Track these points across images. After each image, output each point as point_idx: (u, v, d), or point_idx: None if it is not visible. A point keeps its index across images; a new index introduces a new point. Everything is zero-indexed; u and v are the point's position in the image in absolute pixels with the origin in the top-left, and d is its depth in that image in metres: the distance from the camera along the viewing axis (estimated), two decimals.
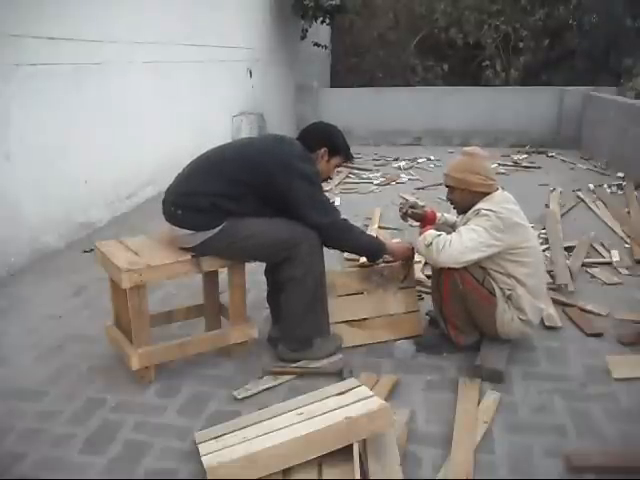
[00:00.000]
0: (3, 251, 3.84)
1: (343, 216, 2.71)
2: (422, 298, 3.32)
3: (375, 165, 7.82)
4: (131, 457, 2.11)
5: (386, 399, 2.31)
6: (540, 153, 8.58)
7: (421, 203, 3.38)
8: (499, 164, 7.47)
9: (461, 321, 2.71)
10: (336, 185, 6.49)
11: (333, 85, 12.04)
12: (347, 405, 2.06)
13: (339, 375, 2.54)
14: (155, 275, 2.47)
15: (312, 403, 2.15)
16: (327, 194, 2.76)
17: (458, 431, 2.17)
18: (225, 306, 2.84)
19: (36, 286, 3.72)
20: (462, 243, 2.53)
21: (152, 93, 5.73)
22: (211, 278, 2.88)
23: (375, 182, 6.74)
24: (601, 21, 10.99)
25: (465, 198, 2.70)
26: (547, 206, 5.41)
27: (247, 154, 2.61)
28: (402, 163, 7.87)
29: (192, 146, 4.68)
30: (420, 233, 2.76)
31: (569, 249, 4.20)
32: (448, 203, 2.87)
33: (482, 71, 11.83)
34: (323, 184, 2.71)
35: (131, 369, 2.51)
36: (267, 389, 2.51)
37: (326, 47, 10.63)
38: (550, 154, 8.43)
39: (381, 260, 2.93)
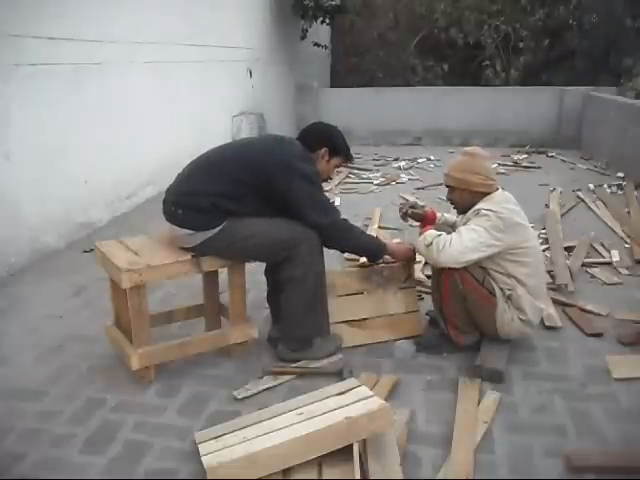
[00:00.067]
0: (3, 251, 3.84)
1: (343, 216, 2.71)
2: (422, 298, 3.32)
3: (375, 165, 7.82)
4: (131, 457, 2.11)
5: (386, 399, 2.31)
6: (540, 153, 8.58)
7: (421, 203, 3.38)
8: (499, 164, 7.47)
9: (461, 321, 2.71)
10: (336, 185, 6.49)
11: (333, 85, 12.04)
12: (347, 405, 2.06)
13: (339, 375, 2.54)
14: (155, 275, 2.47)
15: (312, 403, 2.15)
16: (327, 194, 2.76)
17: (458, 431, 2.17)
18: (225, 306, 2.84)
19: (36, 286, 3.72)
20: (462, 243, 2.53)
21: (152, 93, 5.73)
22: (211, 278, 2.88)
23: (375, 182, 6.74)
24: (601, 21, 10.98)
25: (465, 198, 2.70)
26: (547, 206, 5.41)
27: (247, 154, 2.61)
28: (402, 163, 7.87)
29: (192, 146, 4.68)
30: (420, 233, 2.76)
31: (569, 249, 4.20)
32: (448, 203, 2.87)
33: (482, 71, 11.84)
34: (323, 184, 2.71)
35: (131, 369, 2.51)
36: (267, 389, 2.51)
37: (326, 47, 10.63)
38: (550, 154, 8.43)
39: (381, 260, 2.93)
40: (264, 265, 2.89)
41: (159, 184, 5.41)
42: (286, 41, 9.53)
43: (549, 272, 3.67)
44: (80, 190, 4.65)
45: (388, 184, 6.68)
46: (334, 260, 3.63)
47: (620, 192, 5.99)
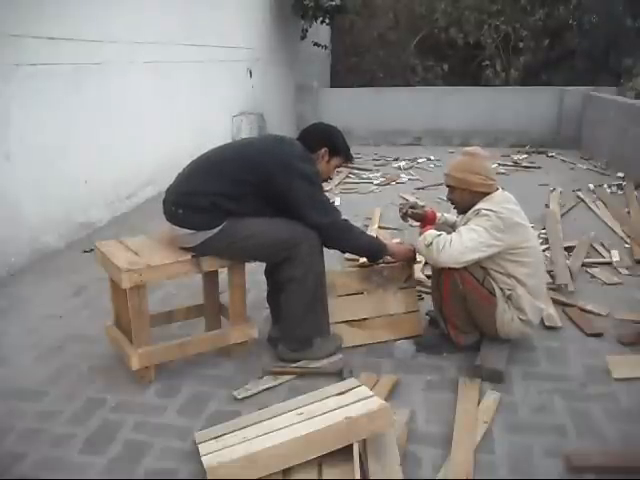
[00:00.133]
0: (3, 251, 3.84)
1: (343, 216, 2.71)
2: (422, 298, 3.32)
3: (375, 165, 7.82)
4: (131, 457, 2.11)
5: (386, 399, 2.31)
6: (540, 153, 8.58)
7: (421, 203, 3.39)
8: (499, 164, 7.47)
9: (461, 321, 2.71)
10: (336, 185, 6.49)
11: (333, 85, 12.04)
12: (347, 405, 2.06)
13: (339, 375, 2.54)
14: (155, 275, 2.47)
15: (312, 403, 2.15)
16: (327, 194, 2.76)
17: (458, 431, 2.17)
18: (225, 306, 2.84)
19: (36, 286, 3.72)
20: (462, 243, 2.53)
21: (152, 93, 5.73)
22: (211, 278, 2.88)
23: (375, 182, 6.74)
24: (601, 21, 10.98)
25: (465, 198, 2.70)
26: (547, 206, 5.41)
27: (247, 154, 2.61)
28: (402, 163, 7.87)
29: (192, 146, 4.69)
30: (420, 233, 2.76)
31: (569, 249, 4.20)
32: (448, 203, 2.87)
33: (482, 71, 11.83)
34: (323, 184, 2.71)
35: (131, 369, 2.51)
36: (267, 389, 2.51)
37: (326, 47, 10.63)
38: (550, 154, 8.43)
39: (381, 260, 2.93)
40: (264, 265, 2.89)
41: (159, 184, 5.41)
42: (286, 41, 9.53)
43: (549, 272, 3.67)
44: (80, 190, 4.65)
45: (388, 184, 6.68)
46: (334, 260, 3.63)
47: (620, 192, 5.99)
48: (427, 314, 3.13)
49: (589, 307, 3.25)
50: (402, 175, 7.11)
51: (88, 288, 3.65)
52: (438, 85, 11.56)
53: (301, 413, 2.08)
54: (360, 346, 2.85)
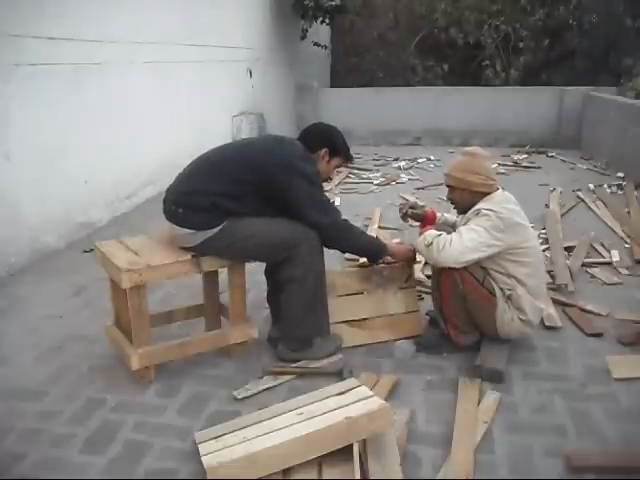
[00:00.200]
0: (3, 251, 3.84)
1: (343, 216, 2.71)
2: (422, 298, 3.32)
3: (375, 165, 7.82)
4: (131, 457, 2.11)
5: (386, 399, 2.31)
6: (540, 153, 8.58)
7: (421, 203, 3.39)
8: (499, 164, 7.47)
9: (461, 321, 2.71)
10: (336, 185, 6.49)
11: (333, 85, 12.03)
12: (347, 405, 2.06)
13: (339, 375, 2.54)
14: (155, 275, 2.47)
15: (312, 403, 2.15)
16: (327, 194, 2.76)
17: (458, 431, 2.17)
18: (225, 306, 2.84)
19: (36, 286, 3.72)
20: (462, 243, 2.53)
21: (152, 93, 5.73)
22: (211, 278, 2.88)
23: (375, 182, 6.74)
24: (601, 21, 10.98)
25: (465, 198, 2.70)
26: (547, 206, 5.41)
27: (247, 154, 2.61)
28: (402, 163, 7.87)
29: (192, 146, 4.69)
30: (420, 233, 2.76)
31: (569, 249, 4.20)
32: (448, 203, 2.87)
33: (482, 71, 11.83)
34: (323, 184, 2.71)
35: (131, 369, 2.51)
36: (267, 389, 2.51)
37: (326, 47, 10.63)
38: (550, 154, 8.43)
39: (381, 260, 2.93)
40: (264, 265, 2.89)
41: (159, 184, 5.41)
42: (286, 41, 9.53)
43: (549, 272, 3.67)
44: (80, 190, 4.65)
45: (388, 184, 6.68)
46: (334, 260, 3.63)
47: (620, 192, 5.99)
48: (427, 314, 3.13)
49: (589, 307, 3.25)
50: (402, 175, 7.11)
51: (88, 288, 3.65)
52: (438, 85, 11.55)
53: (301, 413, 2.08)
54: (360, 346, 2.85)
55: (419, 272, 3.59)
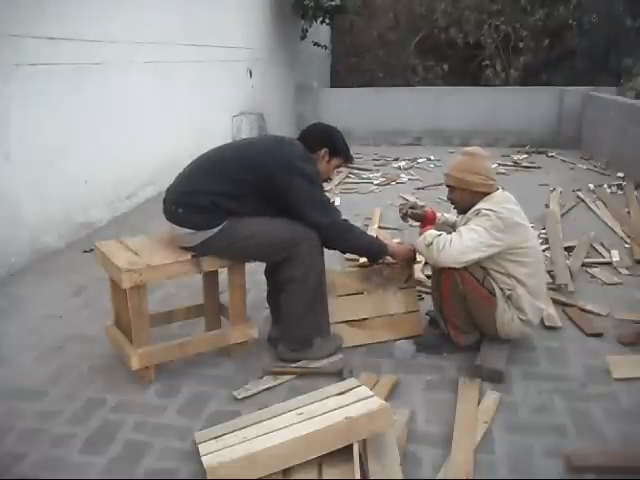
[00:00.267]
0: (3, 251, 3.84)
1: (343, 216, 2.71)
2: (422, 298, 3.32)
3: (375, 165, 7.82)
4: (131, 457, 2.11)
5: (386, 399, 2.31)
6: (540, 153, 8.58)
7: (421, 203, 3.39)
8: (499, 164, 7.47)
9: (461, 321, 2.71)
10: (336, 185, 6.49)
11: (333, 85, 12.03)
12: (347, 405, 2.06)
13: (339, 375, 2.54)
14: (155, 275, 2.47)
15: (312, 403, 2.15)
16: (327, 194, 2.76)
17: (458, 431, 2.17)
18: (225, 306, 2.84)
19: (36, 286, 3.72)
20: (462, 243, 2.53)
21: (152, 93, 5.73)
22: (211, 278, 2.88)
23: (375, 182, 6.74)
24: (601, 21, 10.98)
25: (465, 198, 2.70)
26: (547, 206, 5.41)
27: (247, 154, 2.61)
28: (402, 163, 7.87)
29: (192, 146, 4.69)
30: (420, 233, 2.76)
31: (569, 249, 4.20)
32: (448, 203, 2.87)
33: (482, 71, 11.83)
34: (323, 184, 2.71)
35: (131, 369, 2.51)
36: (267, 389, 2.51)
37: (326, 47, 10.63)
38: (550, 154, 8.43)
39: (381, 260, 2.93)
40: (264, 265, 2.90)
41: (159, 184, 5.41)
42: (286, 41, 9.53)
43: (549, 272, 3.67)
44: (80, 190, 4.65)
45: (388, 184, 6.68)
46: (334, 260, 3.63)
47: (620, 192, 5.99)
48: (427, 314, 3.13)
49: (589, 307, 3.25)
50: (402, 175, 7.11)
51: (88, 288, 3.65)
52: (438, 85, 11.56)
53: (301, 413, 2.08)
54: (360, 346, 2.85)
55: (419, 272, 3.59)
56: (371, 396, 2.11)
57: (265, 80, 8.70)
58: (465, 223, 2.67)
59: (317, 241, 2.59)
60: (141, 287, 2.44)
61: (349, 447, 1.93)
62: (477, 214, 2.61)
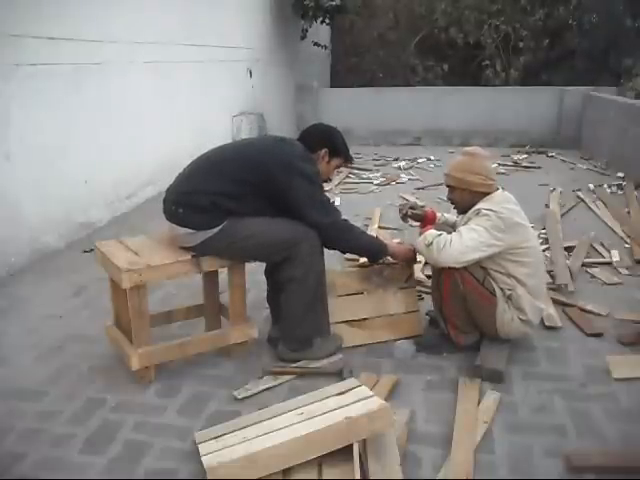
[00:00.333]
0: (3, 251, 3.84)
1: (343, 216, 2.71)
2: (422, 298, 3.32)
3: (375, 165, 7.82)
4: (131, 457, 2.11)
5: (386, 399, 2.31)
6: (540, 153, 8.58)
7: (421, 203, 3.39)
8: (499, 164, 7.47)
9: (461, 321, 2.71)
10: (336, 185, 6.49)
11: (333, 85, 12.03)
12: (347, 405, 2.06)
13: (339, 375, 2.54)
14: (155, 275, 2.47)
15: (312, 403, 2.15)
16: (327, 194, 2.76)
17: (458, 431, 2.17)
18: (225, 306, 2.84)
19: (36, 286, 3.72)
20: (462, 243, 2.53)
21: (152, 93, 5.73)
22: (211, 278, 2.88)
23: (375, 182, 6.74)
24: (601, 21, 10.98)
25: (465, 198, 2.71)
26: (547, 206, 5.41)
27: (247, 154, 2.61)
28: (402, 163, 7.87)
29: (192, 146, 4.69)
30: (420, 233, 2.76)
31: (569, 249, 4.20)
32: (448, 203, 2.87)
33: (482, 71, 11.83)
34: (323, 184, 2.71)
35: (131, 369, 2.51)
36: (267, 389, 2.51)
37: (326, 47, 10.63)
38: (550, 154, 8.43)
39: (381, 260, 2.93)
40: (264, 265, 2.90)
41: (159, 184, 5.41)
42: (286, 41, 9.53)
43: (549, 272, 3.67)
44: (80, 190, 4.65)
45: (388, 184, 6.68)
46: (334, 260, 3.63)
47: (620, 192, 5.99)
48: (427, 314, 3.13)
49: (589, 307, 3.25)
50: (402, 175, 7.11)
51: (88, 288, 3.65)
52: (438, 85, 11.56)
53: (301, 413, 2.08)
54: (360, 346, 2.85)
55: (419, 272, 3.59)
56: (371, 396, 2.11)
57: (265, 80, 8.71)
58: (465, 223, 2.67)
59: (317, 241, 2.59)
60: (141, 287, 2.44)
61: (349, 447, 1.93)
62: (477, 214, 2.61)
